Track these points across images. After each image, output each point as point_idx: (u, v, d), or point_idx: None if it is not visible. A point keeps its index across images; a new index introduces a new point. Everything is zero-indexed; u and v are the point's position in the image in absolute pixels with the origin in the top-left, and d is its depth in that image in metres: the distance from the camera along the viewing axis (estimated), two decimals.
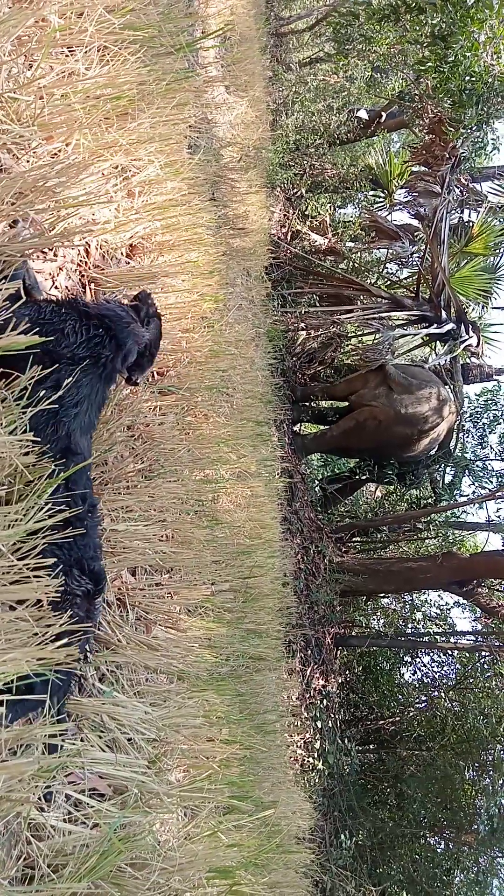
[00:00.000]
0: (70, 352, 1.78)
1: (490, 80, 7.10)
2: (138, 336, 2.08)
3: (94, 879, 1.64)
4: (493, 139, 9.09)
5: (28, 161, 2.01)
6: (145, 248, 2.79)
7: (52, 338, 1.71)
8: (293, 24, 12.20)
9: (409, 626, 12.38)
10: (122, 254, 2.63)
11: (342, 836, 7.54)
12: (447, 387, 9.22)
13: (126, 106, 2.35)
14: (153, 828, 2.10)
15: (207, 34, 4.23)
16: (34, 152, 2.04)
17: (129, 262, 2.65)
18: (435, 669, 11.34)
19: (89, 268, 2.43)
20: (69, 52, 2.19)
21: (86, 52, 2.18)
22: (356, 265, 10.34)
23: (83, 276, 2.40)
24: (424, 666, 11.42)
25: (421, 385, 8.75)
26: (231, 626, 3.56)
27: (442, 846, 9.90)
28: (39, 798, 1.68)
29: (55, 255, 2.20)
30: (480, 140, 8.88)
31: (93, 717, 2.00)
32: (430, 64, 7.23)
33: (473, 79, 7.03)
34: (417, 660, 11.42)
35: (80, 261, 2.40)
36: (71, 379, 1.73)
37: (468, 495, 10.95)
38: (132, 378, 2.25)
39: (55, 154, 2.14)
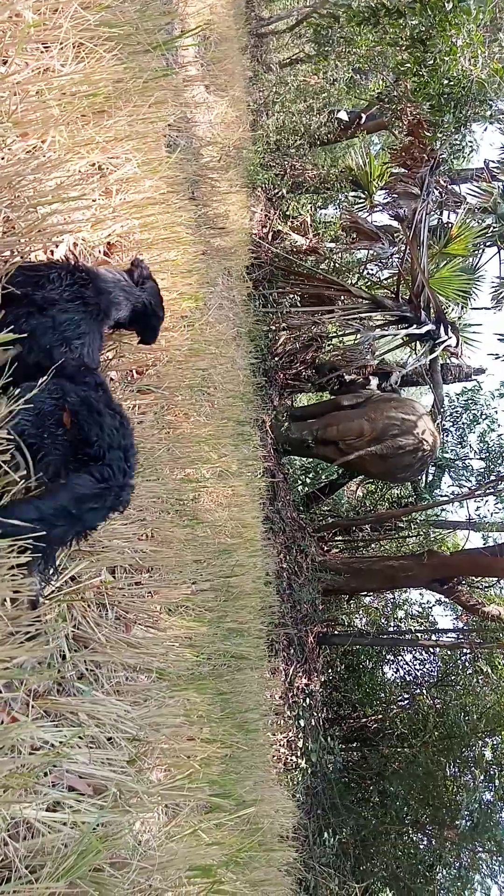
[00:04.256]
0: (58, 294, 1.97)
1: (468, 84, 7.17)
2: (129, 292, 2.29)
3: (72, 879, 1.63)
4: (470, 142, 9.18)
5: (3, 158, 2.00)
6: (123, 247, 2.78)
7: (36, 282, 1.93)
8: (273, 24, 12.21)
9: (392, 624, 12.46)
10: (99, 251, 2.61)
11: (325, 834, 7.56)
12: (430, 412, 9.26)
13: (102, 103, 2.34)
14: (133, 827, 2.10)
15: (186, 32, 4.23)
16: (9, 149, 2.03)
17: (107, 260, 2.64)
18: (417, 667, 11.42)
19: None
20: (44, 48, 2.18)
21: (61, 49, 2.17)
22: (337, 266, 10.38)
23: None
24: (406, 664, 11.50)
25: (410, 432, 8.62)
26: (212, 625, 3.55)
27: (424, 842, 9.97)
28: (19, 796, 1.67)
29: (33, 252, 2.19)
30: (459, 143, 8.98)
31: (71, 717, 1.99)
32: (409, 66, 7.30)
33: (451, 83, 7.10)
34: (400, 658, 11.51)
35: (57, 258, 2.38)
36: (69, 315, 1.96)
37: (448, 495, 11.06)
38: (146, 339, 2.53)
39: (30, 151, 2.12)
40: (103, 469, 1.81)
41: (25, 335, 1.84)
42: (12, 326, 1.84)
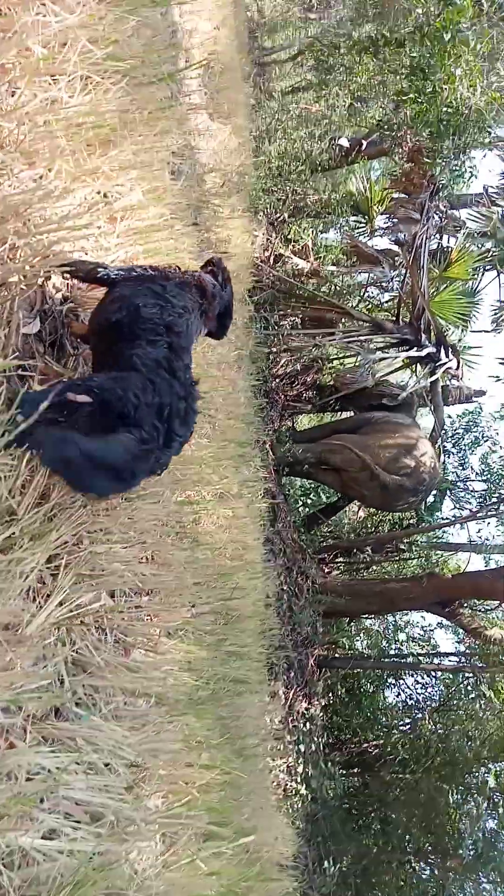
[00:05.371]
0: (190, 304, 2.23)
1: (466, 112, 7.30)
2: (221, 299, 2.53)
3: None
4: (470, 167, 9.33)
5: (10, 186, 2.04)
6: None
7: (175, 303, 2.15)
8: (276, 54, 12.49)
9: (393, 647, 12.36)
10: None
11: (326, 863, 7.43)
12: (430, 437, 9.33)
13: (108, 134, 2.39)
14: (130, 856, 2.07)
15: (190, 65, 4.32)
16: (16, 178, 2.07)
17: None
18: (419, 691, 11.31)
19: (72, 291, 2.46)
20: (52, 80, 2.23)
21: (69, 81, 2.22)
22: (338, 289, 10.49)
23: (66, 297, 2.42)
24: (408, 688, 11.39)
25: (411, 467, 8.66)
26: (212, 648, 3.53)
27: (427, 872, 9.78)
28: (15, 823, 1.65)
29: (38, 278, 2.22)
30: (458, 168, 9.12)
31: (69, 742, 1.97)
32: (409, 95, 7.44)
33: (450, 111, 7.23)
34: (401, 681, 11.39)
35: (64, 285, 2.42)
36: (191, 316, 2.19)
37: (448, 518, 11.05)
38: (217, 335, 2.72)
39: (37, 180, 2.17)
40: (139, 430, 1.74)
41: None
42: (118, 291, 2.06)
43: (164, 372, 1.85)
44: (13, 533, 1.83)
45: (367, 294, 11.32)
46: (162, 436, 1.80)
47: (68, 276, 2.26)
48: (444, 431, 10.39)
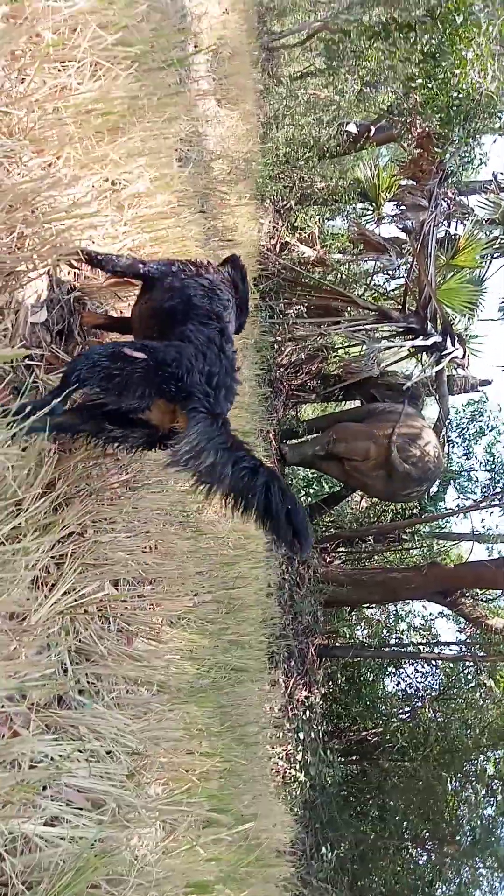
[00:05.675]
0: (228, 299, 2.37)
1: (477, 96, 7.22)
2: (240, 295, 2.61)
3: None
4: (479, 154, 9.22)
5: (19, 174, 2.02)
6: None
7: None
8: (284, 38, 12.30)
9: (394, 636, 12.42)
10: None
11: (323, 849, 7.51)
12: (434, 427, 9.28)
13: (117, 120, 2.37)
14: (131, 842, 2.09)
15: (199, 49, 4.27)
16: (25, 166, 2.05)
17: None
18: (418, 680, 11.37)
19: (80, 279, 2.45)
20: (62, 67, 2.21)
21: (78, 68, 2.20)
22: (344, 277, 10.41)
23: (73, 287, 2.41)
24: (408, 676, 11.45)
25: (415, 457, 8.59)
26: (213, 637, 3.55)
27: (424, 858, 9.90)
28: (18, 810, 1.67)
29: (46, 267, 2.21)
30: (467, 155, 9.02)
31: (72, 730, 1.99)
32: (419, 81, 7.36)
33: (461, 96, 7.14)
34: (401, 670, 11.45)
35: (71, 272, 2.41)
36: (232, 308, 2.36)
37: (451, 507, 11.04)
38: (236, 331, 2.69)
39: (46, 167, 2.15)
40: (197, 401, 1.91)
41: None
42: (168, 282, 2.20)
43: (214, 347, 2.01)
44: (19, 523, 1.84)
45: (373, 282, 11.23)
46: (209, 396, 1.96)
47: (100, 268, 2.35)
48: (448, 421, 10.35)
